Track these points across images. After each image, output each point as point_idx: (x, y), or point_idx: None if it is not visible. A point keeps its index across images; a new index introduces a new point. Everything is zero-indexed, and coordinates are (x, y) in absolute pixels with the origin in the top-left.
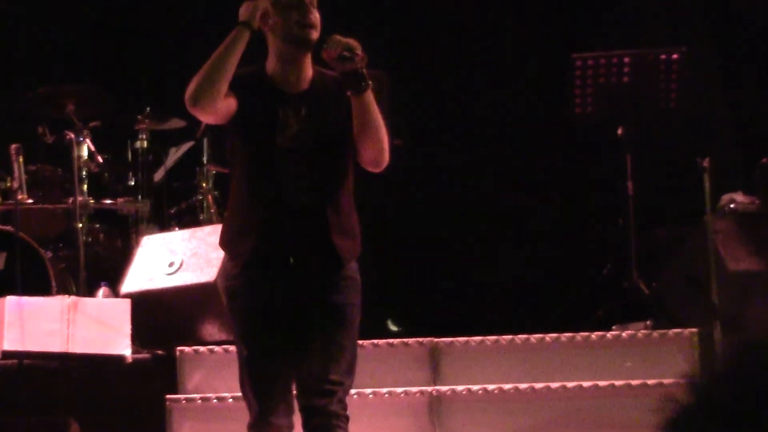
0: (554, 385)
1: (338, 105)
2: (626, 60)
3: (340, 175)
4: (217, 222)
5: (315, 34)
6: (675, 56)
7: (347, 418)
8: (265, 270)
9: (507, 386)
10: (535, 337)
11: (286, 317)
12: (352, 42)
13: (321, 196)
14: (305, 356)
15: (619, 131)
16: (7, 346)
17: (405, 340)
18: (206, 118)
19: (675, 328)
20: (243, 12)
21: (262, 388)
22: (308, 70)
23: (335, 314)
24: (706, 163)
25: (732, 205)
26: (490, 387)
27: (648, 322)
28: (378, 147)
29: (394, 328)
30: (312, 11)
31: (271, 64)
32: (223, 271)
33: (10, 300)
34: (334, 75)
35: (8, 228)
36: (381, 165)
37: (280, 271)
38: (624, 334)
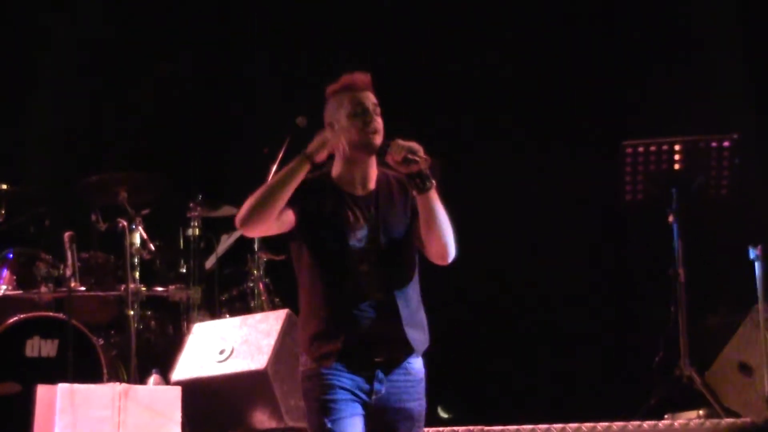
0: None
1: (403, 203)
2: (677, 147)
3: (409, 269)
4: (268, 309)
5: (379, 139)
6: (726, 143)
7: None
8: (338, 364)
9: None
10: (586, 426)
11: (363, 404)
12: (414, 145)
13: (392, 292)
14: None
15: (670, 218)
16: None
17: (455, 428)
18: (255, 235)
19: (728, 417)
20: (313, 143)
21: None
22: (373, 172)
23: (408, 416)
24: (759, 250)
25: None
26: None
27: (701, 412)
28: (444, 241)
29: (444, 415)
30: (375, 118)
31: (337, 168)
32: (303, 372)
33: (62, 387)
34: (397, 174)
35: (60, 315)
36: (447, 258)
37: (352, 372)
38: (676, 423)
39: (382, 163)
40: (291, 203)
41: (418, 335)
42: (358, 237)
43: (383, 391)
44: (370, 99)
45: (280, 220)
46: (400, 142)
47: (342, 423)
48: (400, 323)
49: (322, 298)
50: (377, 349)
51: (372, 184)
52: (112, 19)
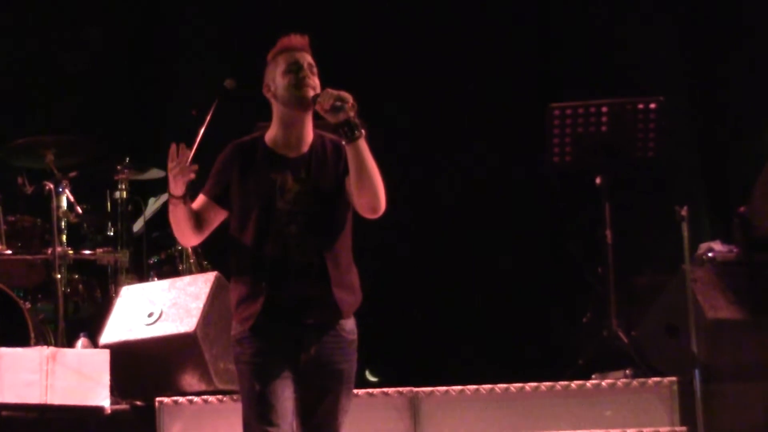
0: None
1: (336, 165)
2: (604, 109)
3: (339, 231)
4: (196, 272)
5: (311, 93)
6: (652, 105)
7: None
8: (272, 330)
9: None
10: (514, 386)
11: (293, 367)
12: (343, 93)
13: (322, 253)
14: (310, 410)
15: (598, 180)
16: None
17: (385, 390)
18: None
19: (654, 376)
20: (170, 188)
21: (274, 420)
22: (308, 134)
23: (338, 377)
24: (684, 212)
25: (710, 254)
26: None
27: (627, 371)
28: (374, 193)
29: (372, 378)
30: (309, 75)
31: (273, 131)
32: (233, 336)
33: None
34: (333, 137)
35: None
36: (378, 211)
37: (286, 329)
38: (604, 383)
39: (318, 125)
40: (216, 184)
41: (347, 297)
42: (287, 199)
43: (313, 352)
44: (306, 58)
45: (214, 217)
46: (330, 90)
47: (272, 385)
48: (328, 285)
49: (248, 260)
50: (306, 312)
51: (306, 147)
52: None
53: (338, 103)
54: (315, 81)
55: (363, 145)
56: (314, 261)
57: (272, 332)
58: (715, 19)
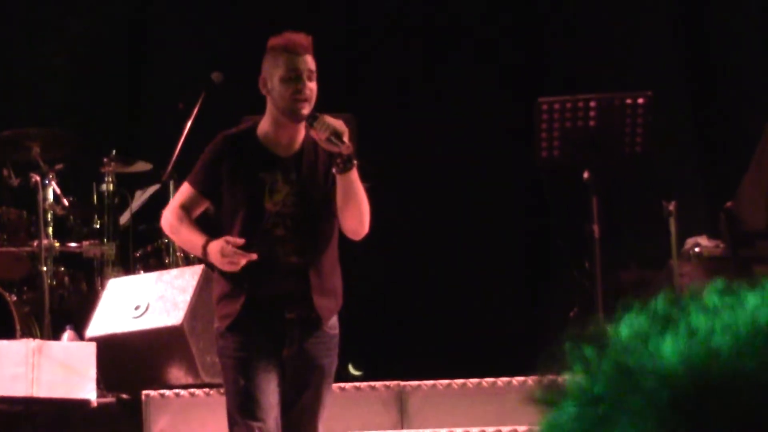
0: (521, 428)
1: (326, 169)
2: (592, 104)
3: (325, 236)
4: (183, 265)
5: (307, 109)
6: (641, 101)
7: None
8: (254, 325)
9: (474, 429)
10: (502, 381)
11: (276, 360)
12: (339, 127)
13: (306, 257)
14: (290, 404)
15: (585, 175)
16: None
17: (372, 383)
18: None
19: None
20: (212, 260)
21: (258, 414)
22: (300, 135)
23: (319, 372)
24: (671, 207)
25: (697, 249)
26: (457, 430)
27: None
28: (359, 220)
29: (355, 372)
30: (307, 85)
31: (265, 126)
32: (217, 329)
33: None
34: None
35: None
36: (360, 235)
37: (268, 324)
38: None
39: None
40: (206, 178)
41: (327, 302)
42: (275, 200)
43: (295, 347)
44: (307, 64)
45: (201, 204)
46: (327, 119)
47: (256, 379)
48: (308, 290)
49: None
50: (288, 307)
51: (297, 146)
52: None
53: (333, 139)
54: (312, 89)
55: (354, 176)
56: (298, 263)
57: (255, 325)
58: (710, 13)
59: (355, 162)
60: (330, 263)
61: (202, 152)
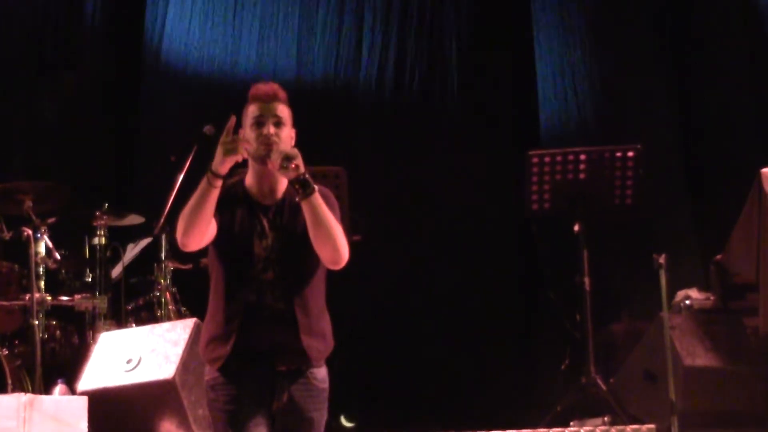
0: None
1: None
2: (582, 157)
3: (311, 279)
4: (175, 318)
5: (270, 151)
6: (630, 154)
7: None
8: (243, 372)
9: None
10: None
11: (266, 413)
12: (291, 152)
13: (293, 300)
14: None
15: (576, 227)
16: None
17: None
18: (196, 249)
19: (633, 424)
20: (216, 158)
21: None
22: (282, 182)
23: (308, 424)
24: (662, 259)
25: (687, 302)
26: None
27: (606, 418)
28: (333, 246)
29: (347, 424)
30: (271, 130)
31: (249, 176)
32: (207, 382)
33: None
34: None
35: None
36: (339, 263)
37: (258, 375)
38: (582, 430)
39: None
40: (215, 212)
41: (317, 344)
42: (264, 245)
43: (285, 399)
44: (272, 110)
45: (211, 230)
46: (280, 148)
47: None
48: (297, 332)
49: (222, 303)
50: (278, 359)
51: (279, 194)
52: (13, 25)
53: (285, 164)
54: (280, 134)
55: (317, 201)
56: (286, 307)
57: (244, 378)
58: (701, 63)
59: (314, 187)
60: (318, 307)
61: None
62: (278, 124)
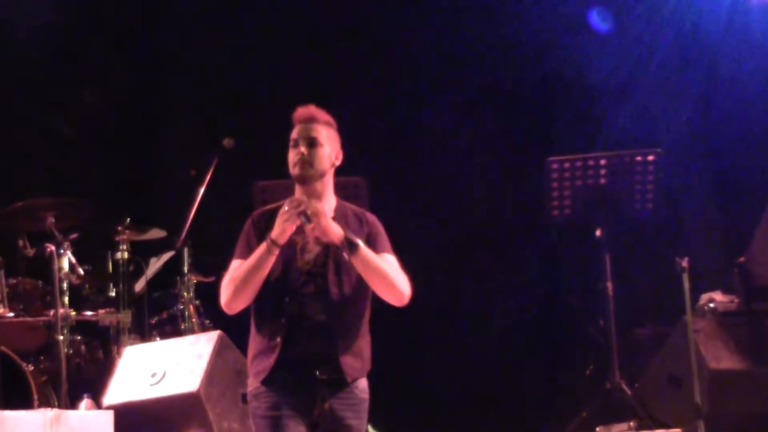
0: None
1: (357, 234)
2: (602, 162)
3: (354, 297)
4: (199, 331)
5: (303, 172)
6: (651, 158)
7: None
8: (287, 384)
9: None
10: None
11: (307, 420)
12: (308, 208)
13: (333, 317)
14: None
15: (598, 232)
16: None
17: None
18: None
19: (658, 428)
20: (276, 229)
21: None
22: (329, 200)
23: None
24: (684, 263)
25: (711, 305)
26: None
27: (631, 423)
28: (391, 289)
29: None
30: (303, 150)
31: (296, 194)
32: (250, 392)
33: None
34: (355, 208)
35: None
36: (402, 301)
37: (300, 384)
38: None
39: (341, 195)
40: (251, 250)
41: (353, 362)
42: (306, 260)
43: (326, 407)
44: (307, 131)
45: None
46: (303, 207)
47: None
48: (336, 349)
49: (267, 317)
50: (319, 368)
51: (331, 213)
52: (35, 42)
53: (303, 218)
54: (314, 154)
55: (363, 254)
56: (327, 322)
57: (286, 386)
58: (721, 65)
59: (358, 243)
60: (357, 325)
61: (240, 230)
62: (312, 144)
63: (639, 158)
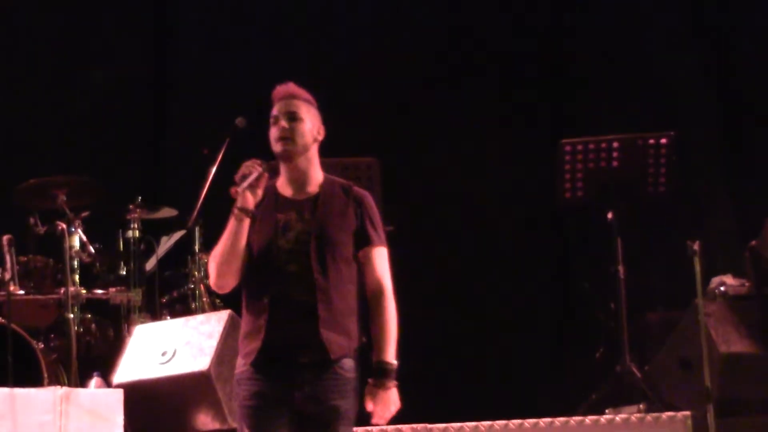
0: None
1: (342, 211)
2: (615, 144)
3: (339, 274)
4: (210, 311)
5: (286, 146)
6: (663, 140)
7: None
8: (270, 367)
9: None
10: (528, 422)
11: (287, 408)
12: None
13: (316, 294)
14: None
15: (609, 215)
16: None
17: (398, 426)
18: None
19: (668, 411)
20: (238, 199)
21: None
22: (314, 176)
23: (333, 413)
24: (696, 246)
25: (722, 288)
26: None
27: (641, 406)
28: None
29: None
30: (283, 125)
31: (280, 176)
32: (236, 375)
33: (2, 392)
34: (343, 182)
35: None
36: None
37: (281, 370)
38: (618, 418)
39: (329, 170)
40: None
41: (337, 338)
42: (288, 237)
43: (307, 390)
44: (287, 107)
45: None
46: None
47: (261, 429)
48: (319, 329)
49: (252, 297)
50: (300, 351)
51: (313, 188)
52: (46, 21)
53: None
54: (294, 128)
55: (393, 389)
56: (309, 300)
57: (270, 373)
58: (741, 48)
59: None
60: (343, 304)
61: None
62: (293, 119)
63: (652, 141)
